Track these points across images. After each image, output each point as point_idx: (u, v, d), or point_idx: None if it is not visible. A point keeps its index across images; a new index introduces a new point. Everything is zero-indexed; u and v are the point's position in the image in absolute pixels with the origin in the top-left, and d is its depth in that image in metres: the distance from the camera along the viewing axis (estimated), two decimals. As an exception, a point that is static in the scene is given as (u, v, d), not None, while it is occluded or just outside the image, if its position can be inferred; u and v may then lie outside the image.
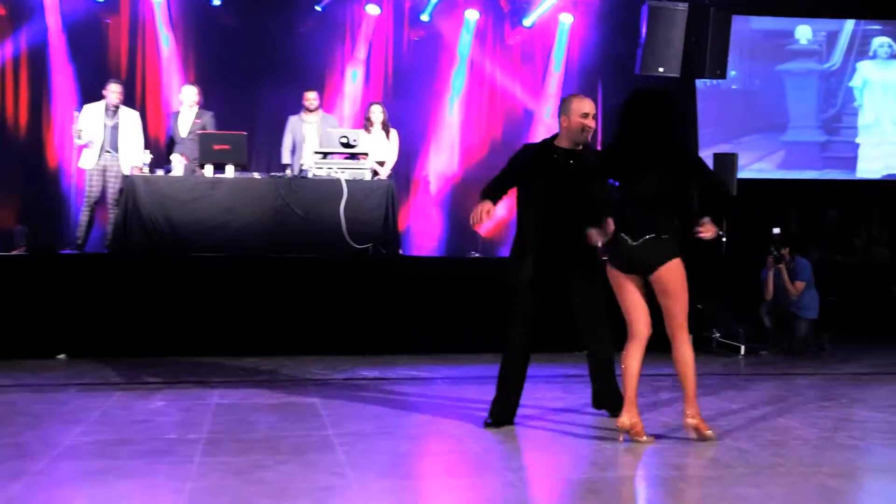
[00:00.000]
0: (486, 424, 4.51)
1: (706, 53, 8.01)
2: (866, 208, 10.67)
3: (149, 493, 3.35)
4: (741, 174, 8.61)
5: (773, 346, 7.94)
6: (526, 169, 4.58)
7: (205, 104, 8.51)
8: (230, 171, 7.67)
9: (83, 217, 8.08)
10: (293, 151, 8.68)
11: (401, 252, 8.46)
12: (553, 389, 5.77)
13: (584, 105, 4.53)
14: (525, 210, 4.59)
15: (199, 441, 4.10)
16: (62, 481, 3.55)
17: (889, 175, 10.99)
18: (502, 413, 4.56)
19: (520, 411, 4.97)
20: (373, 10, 10.31)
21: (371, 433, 4.31)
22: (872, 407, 5.14)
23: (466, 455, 3.99)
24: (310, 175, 7.78)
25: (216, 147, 7.68)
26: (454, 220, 10.61)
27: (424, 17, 10.50)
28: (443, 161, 10.73)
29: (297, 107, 8.76)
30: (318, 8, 10.21)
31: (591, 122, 4.53)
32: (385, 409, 4.98)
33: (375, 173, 8.21)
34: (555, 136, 4.62)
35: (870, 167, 11.00)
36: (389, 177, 8.38)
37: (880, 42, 11.08)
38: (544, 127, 10.88)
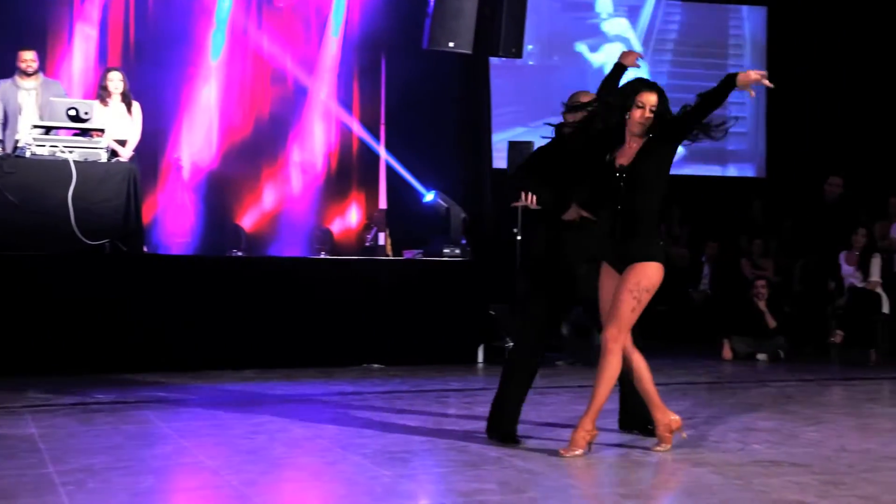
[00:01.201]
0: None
1: (500, 29, 8.32)
2: (666, 205, 11.51)
3: None
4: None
5: (570, 355, 8.39)
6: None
7: None
8: (-80, 147, 7.13)
9: None
10: (5, 124, 8.21)
11: (145, 249, 8.22)
12: (327, 410, 5.79)
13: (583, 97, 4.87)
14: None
15: None
16: None
17: (689, 166, 11.90)
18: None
19: (286, 436, 4.97)
20: (110, -47, 9.92)
21: (104, 468, 4.14)
22: (670, 418, 5.54)
23: (222, 490, 3.92)
24: (28, 154, 7.38)
25: None
26: (212, 212, 10.39)
27: (175, -32, 10.22)
28: (198, 142, 10.48)
29: (11, 69, 8.27)
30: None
31: None
32: (124, 440, 4.81)
33: (114, 154, 7.93)
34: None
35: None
36: (132, 159, 8.14)
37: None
38: (320, 107, 10.89)
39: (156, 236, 9.96)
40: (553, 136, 4.99)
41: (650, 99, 4.40)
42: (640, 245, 4.43)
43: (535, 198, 4.71)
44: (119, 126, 8.20)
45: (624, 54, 4.90)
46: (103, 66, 9.25)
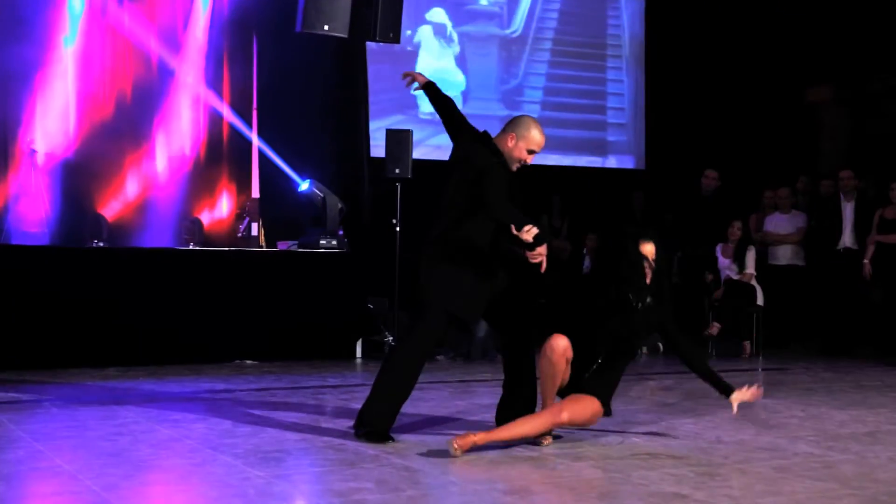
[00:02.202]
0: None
1: (377, 13, 8.28)
2: (547, 197, 11.69)
3: None
4: (417, 153, 9.04)
5: (451, 350, 8.45)
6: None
7: None
8: None
9: None
10: None
11: (-4, 239, 7.91)
12: (196, 409, 5.68)
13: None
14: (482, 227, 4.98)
15: None
16: None
17: (569, 156, 12.11)
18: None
19: (152, 437, 4.86)
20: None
21: (-50, 477, 3.96)
22: (550, 412, 5.64)
23: (81, 496, 3.80)
24: None
25: None
26: (71, 200, 10.06)
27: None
28: (54, 124, 10.11)
29: None
30: None
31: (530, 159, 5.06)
32: (-29, 445, 4.61)
33: (-40, 137, 7.57)
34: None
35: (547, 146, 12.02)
36: (-21, 142, 7.79)
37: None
38: (187, 90, 10.65)
39: (8, 225, 9.59)
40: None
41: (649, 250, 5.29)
42: (607, 383, 4.82)
43: (534, 230, 4.75)
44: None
45: (416, 77, 5.05)
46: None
